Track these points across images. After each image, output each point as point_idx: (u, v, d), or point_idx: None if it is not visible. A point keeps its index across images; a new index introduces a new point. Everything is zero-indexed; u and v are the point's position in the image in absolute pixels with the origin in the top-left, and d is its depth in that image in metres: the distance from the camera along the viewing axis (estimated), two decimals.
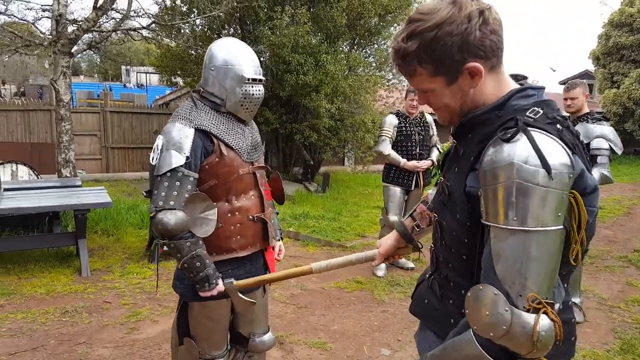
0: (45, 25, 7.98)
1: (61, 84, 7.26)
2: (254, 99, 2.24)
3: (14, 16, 7.79)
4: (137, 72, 38.75)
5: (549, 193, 1.07)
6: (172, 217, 2.02)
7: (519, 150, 1.09)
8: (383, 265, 5.38)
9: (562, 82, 26.24)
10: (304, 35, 8.88)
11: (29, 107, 12.30)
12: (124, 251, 5.85)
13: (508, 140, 1.12)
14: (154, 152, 2.11)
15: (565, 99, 4.31)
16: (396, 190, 5.16)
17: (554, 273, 1.12)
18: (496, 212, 1.12)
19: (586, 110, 4.28)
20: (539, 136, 1.11)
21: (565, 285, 1.24)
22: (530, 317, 1.07)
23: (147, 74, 33.78)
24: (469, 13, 1.16)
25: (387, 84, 11.81)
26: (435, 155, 5.28)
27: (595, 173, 4.07)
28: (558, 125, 1.15)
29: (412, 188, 5.18)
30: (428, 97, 1.31)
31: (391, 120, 5.25)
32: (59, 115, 7.32)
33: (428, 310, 1.51)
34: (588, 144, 4.17)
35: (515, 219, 1.09)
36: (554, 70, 27.24)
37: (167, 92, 18.60)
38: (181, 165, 2.05)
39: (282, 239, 2.68)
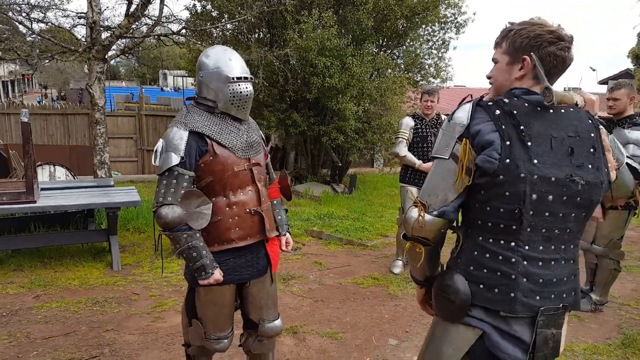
0: (80, 32, 8.36)
1: (96, 88, 7.62)
2: (243, 96, 2.41)
3: (52, 23, 8.19)
4: (174, 76, 39.66)
5: (445, 134, 1.64)
6: (170, 212, 2.26)
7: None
8: (400, 262, 5.51)
9: (602, 82, 25.47)
10: (330, 38, 9.01)
11: (68, 111, 12.88)
12: (153, 247, 6.13)
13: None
14: (154, 154, 2.35)
15: (608, 99, 4.19)
16: (412, 190, 5.26)
17: (439, 189, 1.64)
18: None
19: (630, 112, 4.12)
20: (465, 105, 1.64)
21: (515, 243, 1.58)
22: (411, 207, 1.71)
23: (184, 78, 34.56)
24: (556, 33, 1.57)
25: (415, 85, 11.80)
26: None
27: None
28: (492, 104, 1.59)
29: None
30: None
31: (407, 122, 5.34)
32: (94, 118, 7.69)
33: None
34: None
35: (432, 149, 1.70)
36: (594, 70, 26.76)
37: None
38: (177, 165, 2.28)
39: (290, 232, 2.86)
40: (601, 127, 1.68)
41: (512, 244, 1.57)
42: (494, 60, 1.69)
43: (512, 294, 1.55)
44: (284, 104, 10.23)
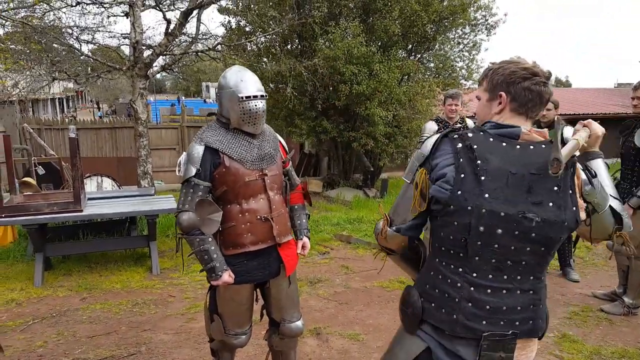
0: (126, 51, 8.84)
1: (139, 104, 8.12)
2: (252, 113, 2.60)
3: (99, 44, 8.75)
4: (215, 88, 40.66)
5: (413, 160, 1.80)
6: (186, 217, 2.54)
7: None
8: None
9: None
10: (357, 46, 9.22)
11: (116, 125, 13.59)
12: (187, 253, 6.47)
13: None
14: (178, 166, 2.63)
15: (633, 98, 4.10)
16: None
17: (400, 208, 1.85)
18: None
19: None
20: (434, 136, 1.77)
21: (462, 269, 1.68)
22: (381, 219, 1.93)
23: None
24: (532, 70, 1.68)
25: (445, 88, 11.80)
26: None
27: None
28: (456, 138, 1.70)
29: None
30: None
31: (431, 127, 5.43)
32: (138, 132, 8.18)
33: None
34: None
35: None
36: None
37: None
38: (193, 176, 2.56)
39: (309, 237, 3.02)
40: (578, 167, 1.72)
41: (460, 269, 1.67)
42: (477, 98, 1.80)
43: (455, 316, 1.66)
44: (314, 111, 10.49)
